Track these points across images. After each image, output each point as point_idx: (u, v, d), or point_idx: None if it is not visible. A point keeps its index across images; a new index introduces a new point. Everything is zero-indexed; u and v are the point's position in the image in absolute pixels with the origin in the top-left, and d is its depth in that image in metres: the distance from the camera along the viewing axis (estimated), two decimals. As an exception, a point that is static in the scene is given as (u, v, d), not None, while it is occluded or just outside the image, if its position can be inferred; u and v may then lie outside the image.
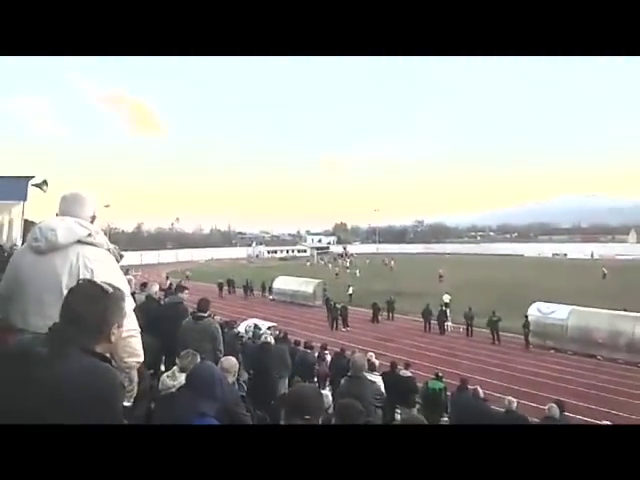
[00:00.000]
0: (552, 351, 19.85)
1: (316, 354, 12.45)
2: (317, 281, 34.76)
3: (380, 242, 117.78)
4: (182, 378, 3.75)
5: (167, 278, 42.77)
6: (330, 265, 65.67)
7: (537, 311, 21.36)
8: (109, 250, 2.57)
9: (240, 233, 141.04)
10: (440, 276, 46.27)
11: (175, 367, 4.18)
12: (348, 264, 62.98)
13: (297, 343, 12.26)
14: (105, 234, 2.69)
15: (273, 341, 9.17)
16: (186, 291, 6.64)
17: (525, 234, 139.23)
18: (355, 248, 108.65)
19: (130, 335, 2.44)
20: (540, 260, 72.37)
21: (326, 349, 13.03)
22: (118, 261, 2.64)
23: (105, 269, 2.43)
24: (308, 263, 70.79)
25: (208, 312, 5.97)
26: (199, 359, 4.08)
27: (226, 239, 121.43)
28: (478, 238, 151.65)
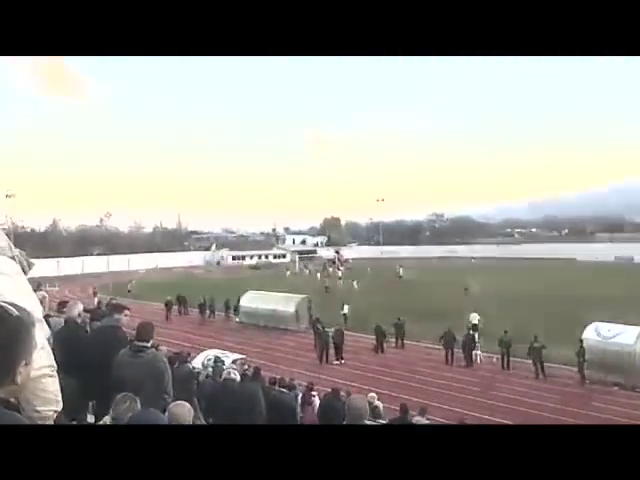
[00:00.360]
0: (616, 388, 20.18)
1: (299, 396, 12.46)
2: (300, 297, 34.84)
3: (385, 243, 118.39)
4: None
5: (95, 294, 42.56)
6: (318, 275, 65.94)
7: (595, 334, 21.66)
8: (13, 258, 2.55)
9: (194, 232, 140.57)
10: (466, 289, 46.63)
11: (107, 417, 4.16)
12: (340, 274, 63.21)
13: (273, 382, 12.26)
14: (7, 235, 2.65)
15: (239, 378, 9.16)
16: (125, 311, 6.60)
17: (579, 231, 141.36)
18: (352, 252, 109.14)
19: (43, 374, 2.42)
20: (599, 265, 73.50)
21: (313, 389, 13.05)
22: (26, 272, 2.62)
23: (7, 284, 2.41)
24: (288, 272, 70.97)
25: (151, 341, 5.93)
26: (139, 406, 4.05)
27: (175, 240, 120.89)
28: (516, 236, 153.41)
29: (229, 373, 9.28)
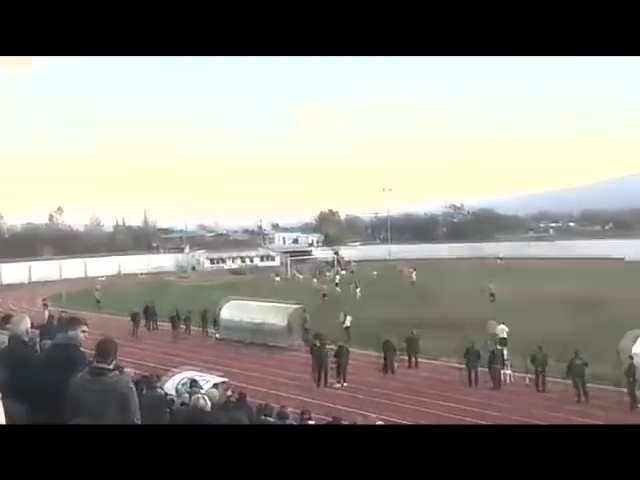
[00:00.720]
0: (673, 412, 20.24)
1: (293, 426, 12.47)
2: (293, 307, 34.82)
3: (394, 241, 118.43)
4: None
5: (45, 306, 42.38)
6: (315, 280, 65.94)
7: (647, 348, 21.74)
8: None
9: (164, 230, 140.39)
10: (491, 295, 46.68)
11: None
12: (337, 279, 63.17)
13: (263, 409, 12.27)
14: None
15: (209, 406, 9.09)
16: (83, 327, 6.57)
17: (626, 224, 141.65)
18: (353, 252, 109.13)
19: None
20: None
21: (310, 418, 13.06)
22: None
23: None
24: (277, 278, 70.93)
25: (114, 362, 5.91)
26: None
27: (141, 240, 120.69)
28: (551, 232, 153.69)
29: (198, 399, 9.21)
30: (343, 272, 74.83)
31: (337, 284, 59.86)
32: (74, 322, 6.69)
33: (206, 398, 9.23)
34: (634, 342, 22.15)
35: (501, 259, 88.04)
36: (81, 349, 6.45)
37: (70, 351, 6.29)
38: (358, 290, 52.94)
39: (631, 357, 21.39)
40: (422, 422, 18.22)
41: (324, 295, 51.58)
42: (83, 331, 6.52)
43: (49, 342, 7.02)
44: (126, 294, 56.67)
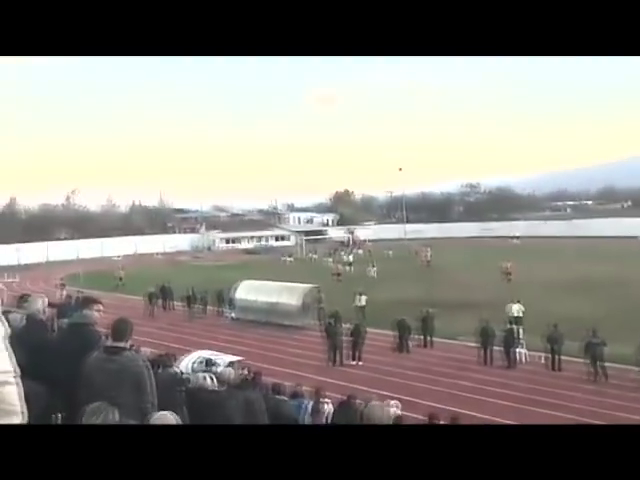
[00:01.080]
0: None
1: (309, 404, 12.55)
2: (307, 287, 34.92)
3: (409, 221, 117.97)
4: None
5: (62, 286, 42.85)
6: (329, 260, 65.99)
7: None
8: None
9: (179, 211, 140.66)
10: (507, 274, 46.54)
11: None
12: (351, 259, 63.11)
13: (277, 388, 12.35)
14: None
15: (212, 384, 9.13)
16: (97, 306, 6.64)
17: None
18: (368, 232, 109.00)
19: (1, 382, 2.45)
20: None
21: (324, 396, 13.13)
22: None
23: None
24: (289, 258, 71.00)
25: (129, 341, 5.97)
26: (117, 417, 4.09)
27: (156, 221, 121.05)
28: (567, 211, 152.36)
29: (203, 378, 9.24)
30: (360, 251, 74.77)
31: (350, 264, 59.86)
32: (88, 301, 6.76)
33: (213, 377, 9.28)
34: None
35: (517, 238, 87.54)
36: (96, 328, 6.52)
37: (85, 330, 6.36)
38: (374, 269, 53.01)
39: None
40: (436, 403, 18.31)
41: (338, 275, 51.63)
42: (97, 310, 6.58)
43: (65, 321, 7.10)
44: (141, 274, 56.97)
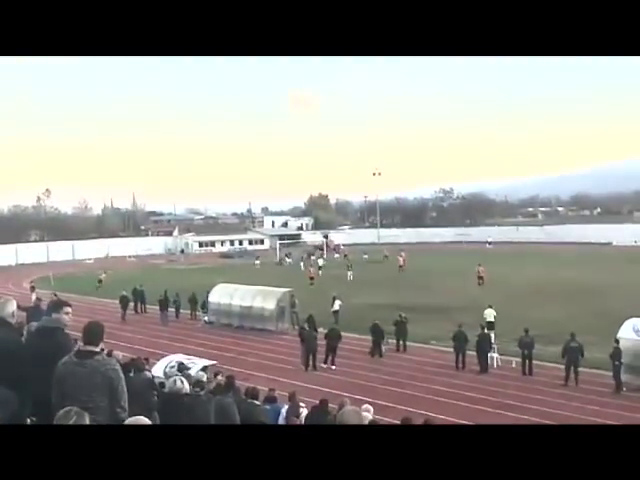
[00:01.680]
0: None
1: (283, 409, 12.52)
2: (282, 291, 34.87)
3: (384, 226, 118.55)
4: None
5: (32, 289, 42.26)
6: (303, 264, 65.94)
7: (634, 332, 21.87)
8: None
9: (153, 213, 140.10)
10: (479, 278, 46.90)
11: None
12: (321, 263, 63.00)
13: (251, 392, 12.29)
14: None
15: (186, 388, 9.04)
16: (66, 309, 6.55)
17: (614, 210, 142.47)
18: (343, 236, 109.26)
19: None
20: (638, 251, 74.23)
21: (299, 401, 13.11)
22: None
23: None
24: (257, 262, 70.51)
25: (101, 345, 5.91)
26: (87, 421, 4.04)
27: (130, 223, 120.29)
28: (539, 217, 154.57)
29: (174, 382, 9.11)
30: (337, 256, 74.96)
31: (320, 268, 60.18)
32: (57, 305, 6.67)
33: (184, 380, 9.17)
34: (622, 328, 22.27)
35: (490, 243, 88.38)
36: (66, 332, 6.43)
37: (55, 334, 6.28)
38: (349, 274, 53.19)
39: (616, 341, 21.55)
40: (409, 407, 18.37)
41: (311, 279, 51.65)
42: (67, 313, 6.50)
43: (35, 325, 7.00)
44: (114, 278, 56.45)
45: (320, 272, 58.04)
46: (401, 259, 62.53)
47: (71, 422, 4.10)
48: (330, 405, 12.09)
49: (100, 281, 51.74)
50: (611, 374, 21.36)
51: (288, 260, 73.75)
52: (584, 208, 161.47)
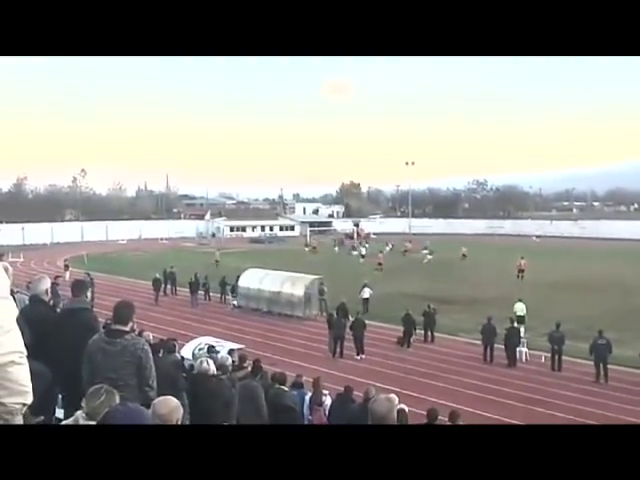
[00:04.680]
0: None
1: (308, 396, 12.57)
2: (311, 278, 34.91)
3: (415, 216, 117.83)
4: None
5: (66, 268, 42.96)
6: (339, 249, 65.89)
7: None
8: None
9: (186, 197, 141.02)
10: (520, 271, 46.70)
11: (79, 412, 4.21)
12: (363, 250, 63.17)
13: (277, 377, 12.38)
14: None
15: (213, 369, 9.10)
16: (89, 290, 6.66)
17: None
18: (375, 225, 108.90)
19: (10, 361, 2.45)
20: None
21: (323, 388, 13.16)
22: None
23: None
24: (307, 249, 70.82)
25: (131, 324, 5.99)
26: (117, 400, 4.11)
27: (163, 206, 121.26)
28: (574, 211, 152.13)
29: (201, 363, 9.18)
30: (364, 243, 75.03)
31: (363, 256, 60.54)
32: (80, 286, 6.75)
33: (211, 362, 9.26)
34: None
35: (538, 237, 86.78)
36: (92, 312, 6.53)
37: (81, 315, 6.37)
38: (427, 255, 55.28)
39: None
40: (435, 398, 18.33)
41: (379, 264, 52.39)
42: (92, 292, 6.62)
43: (65, 304, 7.11)
44: (144, 259, 57.13)
45: (362, 260, 58.43)
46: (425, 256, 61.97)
47: (101, 399, 4.17)
48: (355, 393, 12.13)
49: (217, 261, 53.52)
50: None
51: (355, 252, 68.80)
52: (620, 203, 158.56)
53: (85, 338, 5.81)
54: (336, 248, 66.27)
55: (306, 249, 70.51)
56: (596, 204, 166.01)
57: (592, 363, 21.98)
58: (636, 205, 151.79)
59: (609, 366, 21.75)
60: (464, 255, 61.83)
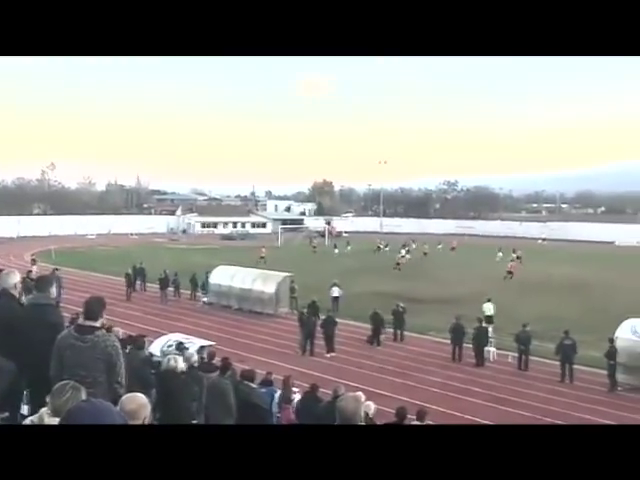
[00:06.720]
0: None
1: (277, 393, 12.58)
2: (282, 275, 34.89)
3: (387, 215, 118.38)
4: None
5: (33, 262, 42.33)
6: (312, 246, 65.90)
7: (631, 333, 21.88)
8: None
9: (156, 192, 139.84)
10: (509, 272, 47.37)
11: (44, 409, 4.16)
12: (334, 247, 63.36)
13: (247, 375, 12.34)
14: None
15: (181, 366, 9.05)
16: (54, 286, 6.56)
17: (618, 209, 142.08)
18: (346, 223, 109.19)
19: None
20: (640, 252, 74.08)
21: (293, 385, 13.18)
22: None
23: None
24: (264, 249, 70.65)
25: (101, 321, 5.92)
26: (83, 396, 4.06)
27: (133, 201, 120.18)
28: (543, 213, 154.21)
29: (170, 360, 9.13)
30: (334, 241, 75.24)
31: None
32: (45, 281, 6.67)
33: (179, 359, 9.21)
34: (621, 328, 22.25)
35: (544, 240, 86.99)
36: (57, 308, 6.45)
37: (47, 311, 6.29)
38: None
39: (611, 340, 21.55)
40: (403, 396, 18.45)
41: (397, 264, 53.16)
42: (58, 288, 6.55)
43: (30, 299, 7.01)
44: (114, 255, 56.57)
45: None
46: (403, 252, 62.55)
47: (67, 396, 4.11)
48: (323, 390, 12.16)
49: (262, 257, 53.10)
50: (606, 373, 21.43)
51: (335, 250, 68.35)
52: (588, 206, 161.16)
53: (48, 334, 5.74)
54: (336, 250, 65.89)
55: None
56: (564, 206, 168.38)
57: (558, 363, 22.32)
58: (603, 208, 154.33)
59: (575, 366, 22.12)
60: (453, 248, 67.91)
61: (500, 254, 56.43)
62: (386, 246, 68.17)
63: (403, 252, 60.81)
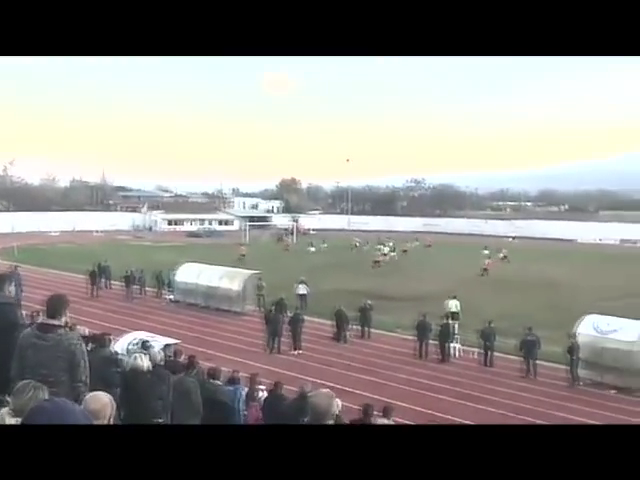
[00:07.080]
0: (613, 392, 20.82)
1: (244, 391, 12.55)
2: (248, 273, 34.81)
3: (354, 212, 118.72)
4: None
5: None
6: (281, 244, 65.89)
7: (592, 329, 22.27)
8: None
9: (121, 189, 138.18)
10: (484, 270, 48.22)
11: (5, 409, 4.11)
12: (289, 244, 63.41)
13: (213, 373, 12.30)
14: None
15: (146, 365, 8.97)
16: (11, 284, 6.47)
17: (580, 207, 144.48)
18: (313, 221, 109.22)
19: None
20: (601, 249, 75.54)
21: (259, 382, 13.16)
22: None
23: None
24: (312, 249, 70.17)
25: (64, 319, 5.85)
26: (46, 395, 4.01)
27: (98, 198, 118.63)
28: (507, 211, 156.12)
29: (135, 359, 9.04)
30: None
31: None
32: (2, 279, 6.56)
33: (143, 357, 9.12)
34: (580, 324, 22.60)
35: (514, 238, 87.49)
36: (15, 308, 6.36)
37: (2, 309, 6.20)
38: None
39: (573, 336, 21.83)
40: (369, 393, 18.55)
41: (376, 262, 53.12)
42: (16, 286, 6.46)
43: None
44: (77, 252, 55.79)
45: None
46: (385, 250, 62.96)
47: (29, 395, 4.07)
48: (289, 388, 12.17)
49: (243, 255, 53.38)
50: (567, 367, 21.75)
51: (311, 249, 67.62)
52: (551, 204, 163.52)
53: (5, 333, 5.66)
54: (312, 248, 65.68)
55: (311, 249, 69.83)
56: (529, 204, 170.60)
57: (522, 359, 22.63)
58: (566, 206, 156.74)
59: (538, 361, 22.45)
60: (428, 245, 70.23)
61: (486, 252, 56.58)
62: (366, 244, 68.41)
63: (386, 250, 61.20)
